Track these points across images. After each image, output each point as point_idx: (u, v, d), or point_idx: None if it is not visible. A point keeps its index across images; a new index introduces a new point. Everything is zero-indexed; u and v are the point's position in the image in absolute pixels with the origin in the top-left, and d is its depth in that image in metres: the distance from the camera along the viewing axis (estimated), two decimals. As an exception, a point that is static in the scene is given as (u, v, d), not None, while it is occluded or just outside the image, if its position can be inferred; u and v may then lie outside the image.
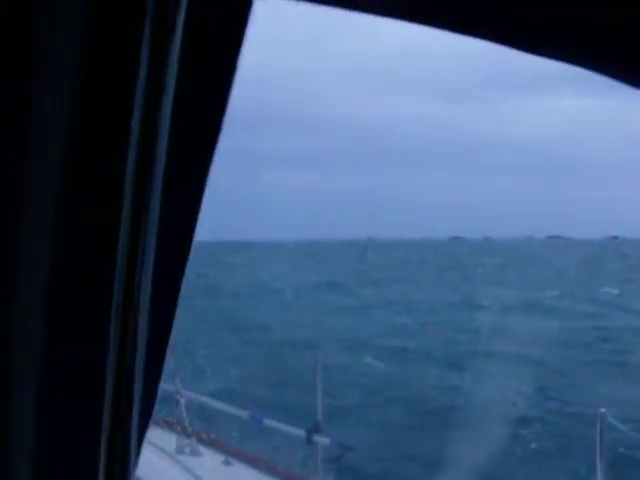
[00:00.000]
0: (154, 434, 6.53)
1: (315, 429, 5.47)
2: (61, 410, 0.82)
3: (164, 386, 6.92)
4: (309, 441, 5.48)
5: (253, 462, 6.21)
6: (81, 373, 0.80)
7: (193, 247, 0.84)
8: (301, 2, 0.71)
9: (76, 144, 0.68)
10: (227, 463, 6.27)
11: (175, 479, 5.45)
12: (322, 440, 5.41)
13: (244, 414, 6.68)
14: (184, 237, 0.84)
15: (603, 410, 4.66)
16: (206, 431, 6.99)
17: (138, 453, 0.91)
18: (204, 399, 7.10)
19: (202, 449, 6.43)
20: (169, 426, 6.76)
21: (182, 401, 6.73)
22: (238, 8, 0.73)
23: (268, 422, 6.20)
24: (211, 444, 6.63)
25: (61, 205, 0.70)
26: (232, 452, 6.43)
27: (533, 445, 10.51)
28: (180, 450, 6.32)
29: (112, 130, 0.68)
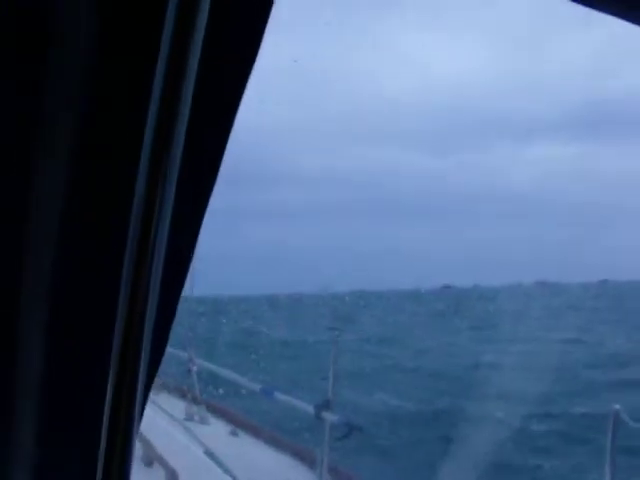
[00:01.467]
0: (165, 400, 6.61)
1: (325, 406, 5.48)
2: (64, 396, 0.85)
3: (177, 352, 7.03)
4: (318, 418, 5.49)
5: (260, 434, 6.26)
6: (87, 355, 0.82)
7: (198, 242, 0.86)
8: None
9: (88, 145, 0.68)
10: (234, 433, 6.32)
11: (182, 445, 5.51)
12: (330, 417, 5.41)
13: (256, 386, 6.72)
14: (191, 233, 0.85)
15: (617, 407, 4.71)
16: (216, 400, 7.06)
17: (140, 417, 0.90)
18: (216, 368, 7.15)
19: (211, 418, 6.50)
20: (180, 393, 6.84)
21: (194, 369, 6.79)
22: (257, 7, 0.72)
23: (278, 396, 6.23)
24: (220, 413, 6.69)
25: (70, 204, 0.71)
26: (240, 423, 6.49)
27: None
28: (189, 417, 6.39)
29: (125, 133, 0.68)
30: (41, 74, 0.63)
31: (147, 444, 4.94)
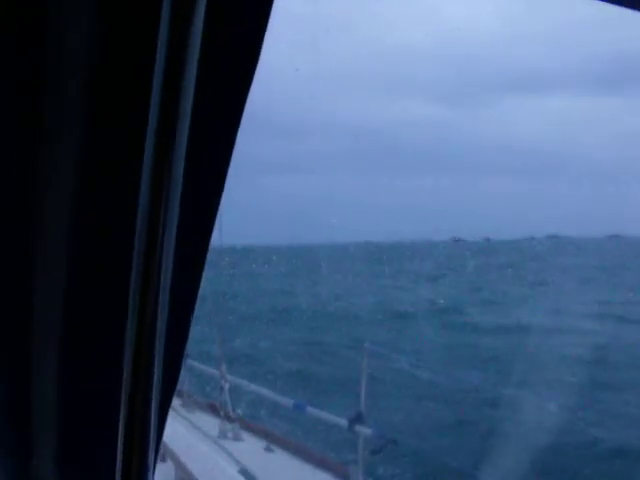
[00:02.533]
0: (198, 418, 6.62)
1: (358, 419, 5.44)
2: (81, 397, 0.84)
3: (209, 370, 7.05)
4: (351, 431, 5.45)
5: (294, 450, 6.22)
6: (100, 358, 0.81)
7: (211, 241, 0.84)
8: None
9: (92, 142, 0.68)
10: (268, 450, 6.29)
11: (216, 463, 5.49)
12: (364, 431, 5.37)
13: (288, 402, 6.70)
14: (204, 229, 0.84)
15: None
16: (249, 417, 7.04)
17: (161, 432, 0.91)
18: (249, 385, 7.14)
19: (244, 435, 6.48)
20: (213, 410, 6.84)
21: (226, 386, 6.79)
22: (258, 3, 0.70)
23: (311, 410, 6.20)
24: (253, 430, 6.67)
25: (79, 202, 0.71)
26: (274, 439, 6.46)
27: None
28: (222, 435, 6.38)
29: (129, 128, 0.67)
30: (41, 75, 0.63)
31: (181, 464, 4.93)
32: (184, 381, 7.05)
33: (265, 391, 6.98)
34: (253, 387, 7.14)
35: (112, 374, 0.78)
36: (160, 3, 0.61)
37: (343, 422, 5.57)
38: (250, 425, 6.77)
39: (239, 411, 6.78)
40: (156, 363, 0.77)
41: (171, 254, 0.73)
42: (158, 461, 0.96)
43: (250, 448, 6.21)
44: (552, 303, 21.84)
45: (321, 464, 5.99)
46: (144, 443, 0.81)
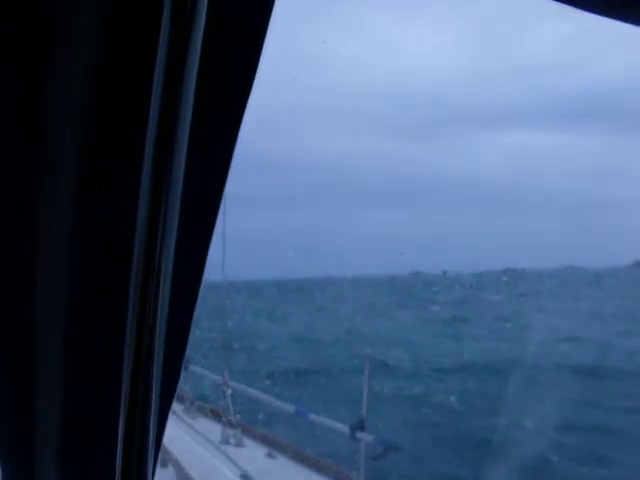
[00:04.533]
0: (200, 423, 6.62)
1: (359, 426, 5.44)
2: (82, 398, 0.84)
3: (212, 377, 7.05)
4: (353, 437, 5.45)
5: (296, 456, 6.22)
6: (100, 364, 0.81)
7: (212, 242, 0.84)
8: None
9: (91, 139, 0.67)
10: (271, 456, 6.29)
11: (218, 469, 5.50)
12: (366, 437, 5.37)
13: (290, 408, 6.70)
14: (205, 229, 0.84)
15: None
16: (251, 423, 7.04)
17: (160, 437, 0.91)
18: (251, 391, 7.14)
19: (246, 440, 6.48)
20: (215, 416, 6.84)
21: (229, 392, 6.79)
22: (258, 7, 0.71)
23: (313, 417, 6.20)
24: (255, 436, 6.67)
25: (78, 202, 0.70)
26: (276, 445, 6.45)
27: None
28: (225, 440, 6.38)
29: (129, 126, 0.67)
30: (42, 75, 0.63)
31: (182, 469, 4.94)
32: (186, 387, 7.05)
33: (267, 397, 6.98)
34: (255, 393, 7.13)
35: (112, 379, 0.79)
36: (161, 5, 0.62)
37: (345, 428, 5.57)
38: (252, 431, 6.77)
39: (241, 417, 6.78)
40: (155, 368, 0.78)
41: (170, 259, 0.74)
42: (159, 466, 0.96)
43: (252, 454, 6.20)
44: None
45: (323, 470, 5.99)
46: (143, 447, 0.82)
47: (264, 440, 6.57)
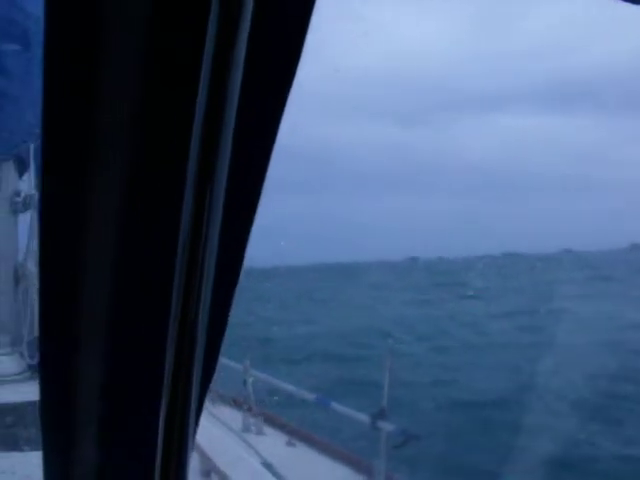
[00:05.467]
0: (222, 411, 6.68)
1: (380, 415, 5.46)
2: (123, 390, 0.85)
3: (233, 365, 7.11)
4: (374, 427, 5.47)
5: (316, 444, 6.26)
6: (143, 356, 0.82)
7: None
8: None
9: (138, 136, 0.68)
10: (291, 444, 6.34)
11: (239, 456, 5.54)
12: (387, 426, 5.38)
13: (311, 396, 6.74)
14: (241, 237, 0.85)
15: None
16: (272, 411, 7.09)
17: (197, 423, 0.92)
18: (272, 380, 7.19)
19: (267, 429, 6.53)
20: (237, 405, 6.90)
21: (250, 381, 6.85)
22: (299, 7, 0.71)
23: (334, 406, 6.23)
24: (276, 424, 6.72)
25: (124, 195, 0.71)
26: (296, 433, 6.50)
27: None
28: (246, 428, 6.44)
29: (174, 126, 0.67)
30: (90, 75, 0.64)
31: (204, 455, 4.98)
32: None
33: (288, 385, 7.02)
34: (276, 381, 7.18)
35: (154, 371, 0.80)
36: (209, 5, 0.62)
37: (365, 418, 5.59)
38: (273, 419, 6.82)
39: (262, 405, 6.83)
40: (196, 360, 0.79)
41: (214, 253, 0.75)
42: None
43: (272, 442, 6.25)
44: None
45: (342, 459, 6.03)
46: (183, 436, 0.83)
47: (284, 428, 6.63)
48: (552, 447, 8.68)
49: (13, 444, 4.81)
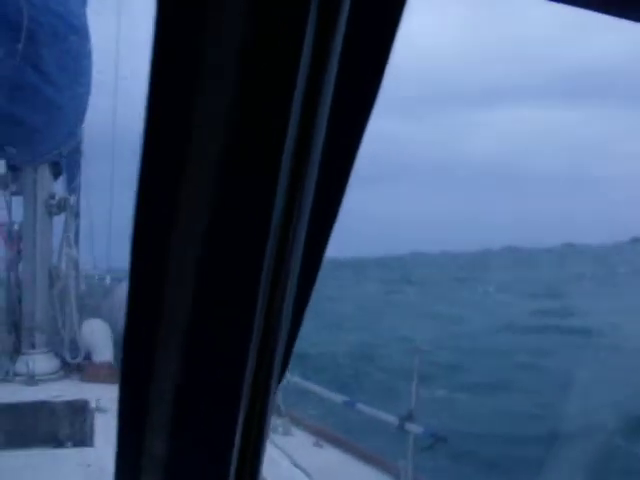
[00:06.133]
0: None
1: (408, 417, 5.49)
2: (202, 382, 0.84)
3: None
4: (401, 429, 5.50)
5: (343, 445, 6.29)
6: (225, 353, 0.82)
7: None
8: None
9: (233, 135, 0.69)
10: (318, 445, 6.37)
11: (267, 457, 5.58)
12: (414, 428, 5.41)
13: (339, 398, 6.77)
14: (325, 233, 0.85)
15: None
16: (299, 412, 7.12)
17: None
18: (299, 380, 7.23)
19: (294, 429, 6.57)
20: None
21: (277, 381, 6.87)
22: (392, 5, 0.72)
23: (361, 407, 6.26)
24: (303, 425, 6.75)
25: (216, 194, 0.72)
26: (323, 434, 6.53)
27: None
28: (273, 429, 6.47)
29: (270, 121, 0.68)
30: (197, 74, 0.65)
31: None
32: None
33: (316, 387, 7.06)
34: (304, 383, 7.21)
35: (236, 370, 0.80)
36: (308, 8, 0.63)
37: (393, 420, 5.62)
38: (300, 420, 6.86)
39: (290, 406, 6.86)
40: (275, 365, 0.79)
41: (300, 253, 0.76)
42: None
43: (299, 443, 6.29)
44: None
45: (369, 460, 6.04)
46: (261, 436, 0.84)
47: (311, 430, 6.65)
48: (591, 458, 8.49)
49: (54, 441, 4.93)
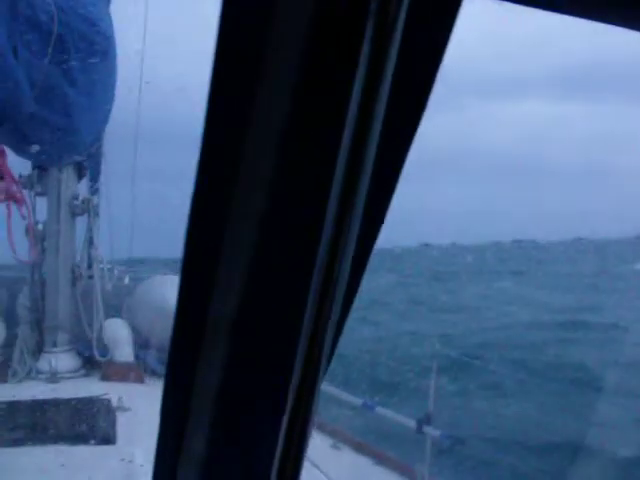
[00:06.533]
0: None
1: (426, 420, 5.51)
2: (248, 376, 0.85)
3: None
4: (419, 432, 5.52)
5: (361, 448, 6.30)
6: (273, 351, 0.83)
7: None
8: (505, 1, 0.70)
9: (291, 130, 0.70)
10: (336, 447, 6.39)
11: None
12: (432, 431, 5.43)
13: (357, 400, 6.79)
14: (372, 236, 0.84)
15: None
16: (317, 414, 7.14)
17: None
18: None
19: (312, 431, 6.58)
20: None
21: (295, 383, 6.89)
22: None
23: (380, 410, 6.28)
24: (321, 427, 6.78)
25: (270, 192, 0.73)
26: (341, 436, 6.56)
27: None
28: (291, 430, 6.48)
29: (327, 120, 0.70)
30: (259, 73, 0.67)
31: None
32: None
33: (334, 389, 7.08)
34: (322, 384, 7.22)
35: (282, 369, 0.80)
36: (366, 12, 0.65)
37: (411, 423, 5.64)
38: (318, 422, 6.88)
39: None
40: (323, 363, 0.78)
41: (350, 254, 0.74)
42: None
43: (318, 445, 6.31)
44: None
45: (387, 463, 6.06)
46: (304, 438, 0.83)
47: (329, 432, 6.67)
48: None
49: (77, 438, 4.99)
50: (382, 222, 0.84)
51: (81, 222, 7.35)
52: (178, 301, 0.80)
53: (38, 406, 5.67)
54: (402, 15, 0.67)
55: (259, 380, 0.85)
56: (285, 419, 0.81)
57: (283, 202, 0.74)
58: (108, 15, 6.17)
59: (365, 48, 0.66)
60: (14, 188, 6.14)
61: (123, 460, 4.47)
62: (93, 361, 7.10)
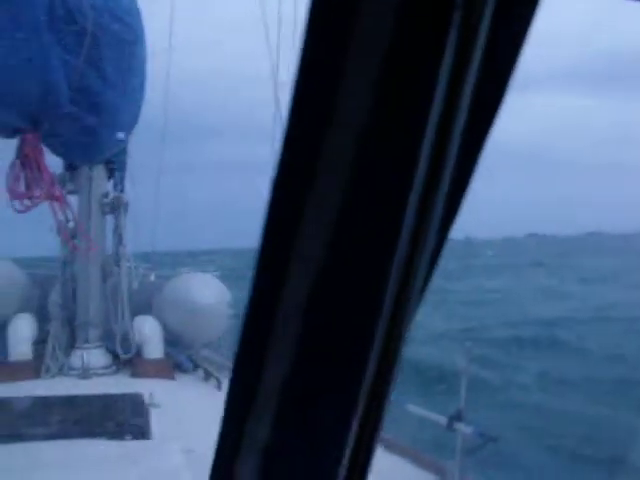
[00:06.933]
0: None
1: (457, 417, 5.49)
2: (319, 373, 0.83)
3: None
4: (450, 429, 5.50)
5: (390, 445, 6.29)
6: (346, 349, 0.80)
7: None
8: None
9: (370, 139, 0.71)
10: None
11: None
12: (464, 428, 5.41)
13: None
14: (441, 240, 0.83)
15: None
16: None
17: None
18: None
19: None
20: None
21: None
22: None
23: (410, 407, 6.26)
24: None
25: (345, 202, 0.73)
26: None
27: None
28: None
29: (407, 126, 0.70)
30: (341, 72, 0.68)
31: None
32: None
33: None
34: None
35: (356, 365, 0.78)
36: (451, 14, 0.65)
37: (442, 419, 5.62)
38: None
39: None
40: (397, 364, 0.78)
41: (430, 249, 0.76)
42: None
43: None
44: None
45: (417, 460, 6.05)
46: (374, 438, 0.83)
47: None
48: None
49: (112, 433, 5.05)
50: (457, 214, 0.84)
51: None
52: (251, 292, 0.80)
53: (73, 402, 5.74)
54: (489, 7, 0.67)
55: (330, 375, 0.83)
56: (359, 410, 0.80)
57: (364, 194, 0.74)
58: (138, 13, 6.22)
59: (450, 42, 0.66)
60: (53, 187, 6.21)
61: (161, 454, 4.52)
62: (124, 358, 7.18)
